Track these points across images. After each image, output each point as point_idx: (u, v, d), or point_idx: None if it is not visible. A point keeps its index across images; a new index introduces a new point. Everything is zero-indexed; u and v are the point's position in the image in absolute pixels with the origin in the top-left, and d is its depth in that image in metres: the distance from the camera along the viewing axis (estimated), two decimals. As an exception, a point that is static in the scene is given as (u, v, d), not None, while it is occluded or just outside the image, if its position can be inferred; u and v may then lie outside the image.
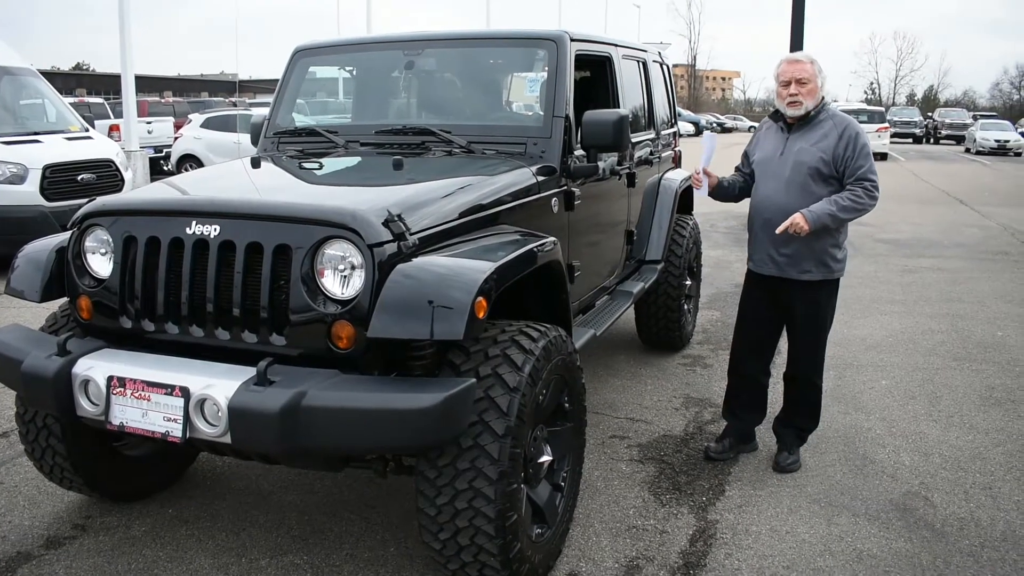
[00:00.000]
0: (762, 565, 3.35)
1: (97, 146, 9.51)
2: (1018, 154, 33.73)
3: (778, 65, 4.02)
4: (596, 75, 4.83)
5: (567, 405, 3.29)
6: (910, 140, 42.87)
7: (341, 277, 2.77)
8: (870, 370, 5.81)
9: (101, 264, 3.17)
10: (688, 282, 6.05)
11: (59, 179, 8.67)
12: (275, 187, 3.69)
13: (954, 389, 5.44)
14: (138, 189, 3.54)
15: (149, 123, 20.42)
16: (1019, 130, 40.66)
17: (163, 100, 29.13)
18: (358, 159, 4.08)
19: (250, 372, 2.68)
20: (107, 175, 9.16)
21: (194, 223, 2.91)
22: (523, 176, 3.70)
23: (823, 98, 4.01)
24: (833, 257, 4.05)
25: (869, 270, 9.39)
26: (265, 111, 4.70)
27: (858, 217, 3.99)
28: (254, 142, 4.59)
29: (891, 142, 31.86)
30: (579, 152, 4.07)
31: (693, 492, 3.97)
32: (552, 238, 3.37)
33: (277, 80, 4.72)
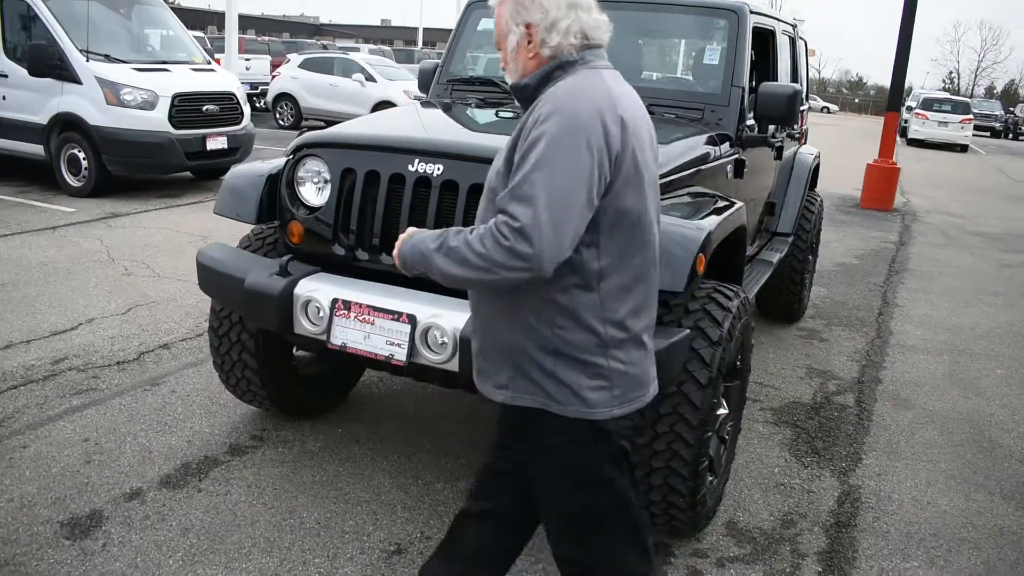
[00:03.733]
0: (910, 531, 3.51)
1: (220, 79, 9.72)
2: (1101, 153, 32.67)
3: None
4: (759, 48, 4.90)
5: (738, 363, 3.44)
6: (988, 134, 41.57)
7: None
8: (983, 359, 5.87)
9: (313, 193, 3.35)
10: (811, 257, 6.14)
11: (186, 108, 8.89)
12: (489, 132, 3.81)
13: (1074, 384, 5.48)
14: (350, 123, 3.70)
15: (248, 60, 20.68)
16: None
17: (258, 39, 29.43)
18: None
19: (472, 306, 2.85)
20: (229, 107, 9.36)
21: (417, 160, 3.08)
22: (703, 141, 3.83)
23: (553, 60, 2.01)
24: (553, 374, 1.95)
25: (966, 261, 9.33)
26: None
27: (489, 282, 1.86)
28: (423, 88, 4.76)
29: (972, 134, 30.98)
30: (749, 122, 4.18)
31: (832, 458, 4.12)
32: (740, 202, 3.50)
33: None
